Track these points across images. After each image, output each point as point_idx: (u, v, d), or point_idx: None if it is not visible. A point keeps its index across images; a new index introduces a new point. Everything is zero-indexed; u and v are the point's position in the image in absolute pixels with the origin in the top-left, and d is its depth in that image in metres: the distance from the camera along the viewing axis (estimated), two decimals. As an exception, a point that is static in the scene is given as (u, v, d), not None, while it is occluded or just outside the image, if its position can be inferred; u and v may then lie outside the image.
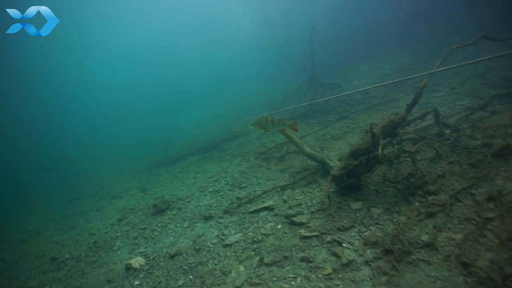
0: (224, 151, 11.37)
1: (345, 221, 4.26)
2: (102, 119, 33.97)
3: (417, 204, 4.07)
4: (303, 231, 4.33)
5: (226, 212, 5.65)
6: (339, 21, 21.93)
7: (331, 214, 4.53)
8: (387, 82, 4.14)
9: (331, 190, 4.97)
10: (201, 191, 7.35)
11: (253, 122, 4.67)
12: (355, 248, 3.65)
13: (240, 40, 33.54)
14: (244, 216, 5.33)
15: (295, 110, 12.16)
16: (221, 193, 6.74)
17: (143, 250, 5.28)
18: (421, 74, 3.76)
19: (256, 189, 6.34)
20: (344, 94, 5.47)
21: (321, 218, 4.52)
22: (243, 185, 6.82)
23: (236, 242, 4.60)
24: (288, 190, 5.73)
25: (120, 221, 7.32)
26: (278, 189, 5.89)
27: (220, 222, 5.39)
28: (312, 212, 4.73)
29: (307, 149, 6.25)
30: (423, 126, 6.29)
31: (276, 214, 5.03)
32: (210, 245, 4.74)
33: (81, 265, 5.52)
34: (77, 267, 5.51)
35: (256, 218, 5.15)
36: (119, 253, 5.47)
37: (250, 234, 4.70)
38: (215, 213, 5.81)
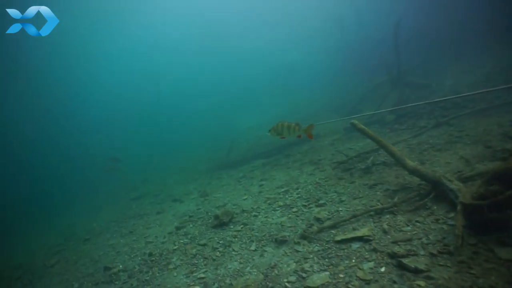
0: (291, 156, 10.23)
1: (492, 278, 2.83)
2: (163, 121, 35.02)
3: None
4: (423, 284, 2.99)
5: (303, 237, 4.48)
6: (425, 16, 19.43)
7: (464, 261, 3.10)
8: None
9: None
10: (269, 204, 6.28)
11: (270, 128, 4.41)
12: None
13: (306, 40, 32.10)
14: (329, 246, 4.12)
15: (374, 113, 10.55)
16: (294, 209, 5.59)
17: (202, 275, 4.35)
18: None
19: (340, 208, 5.06)
20: (457, 96, 3.97)
21: (448, 267, 3.12)
22: (321, 201, 5.59)
23: (322, 285, 3.41)
24: (387, 216, 4.37)
25: (178, 229, 6.58)
26: (372, 212, 4.55)
27: (297, 251, 4.24)
28: (433, 255, 3.34)
29: (410, 163, 4.81)
30: None
31: (375, 250, 3.72)
32: (288, 284, 3.61)
33: (132, 283, 4.79)
34: (129, 284, 4.80)
35: (346, 251, 3.90)
36: (175, 274, 4.63)
37: (341, 275, 3.48)
38: (289, 236, 4.67)
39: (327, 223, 4.63)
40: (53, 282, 6.18)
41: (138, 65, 42.93)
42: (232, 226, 5.77)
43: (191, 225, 6.57)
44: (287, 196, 6.40)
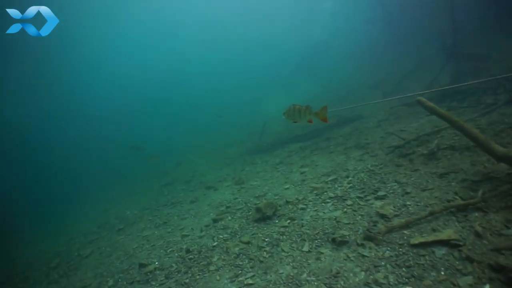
0: (332, 139, 9.39)
1: None
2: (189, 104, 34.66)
3: None
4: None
5: (368, 238, 3.75)
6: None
7: None
8: None
9: None
10: (317, 195, 5.57)
11: (284, 111, 4.02)
12: None
13: (336, 14, 30.16)
14: (403, 251, 3.37)
15: (426, 89, 9.40)
16: (349, 202, 4.85)
17: (250, 281, 3.77)
18: None
19: (407, 202, 4.26)
20: None
21: None
22: (380, 192, 4.81)
23: (409, 307, 2.70)
24: (475, 214, 3.54)
25: (216, 222, 6.05)
26: (453, 209, 3.73)
27: (363, 255, 3.53)
28: (559, 271, 2.52)
29: (500, 148, 3.89)
30: None
31: (469, 259, 2.95)
32: (361, 303, 2.94)
33: (171, 285, 4.30)
34: (166, 286, 4.32)
35: (428, 259, 3.14)
36: (218, 278, 4.07)
37: (430, 293, 2.75)
38: (349, 236, 3.97)
39: (396, 221, 3.87)
40: (87, 276, 5.89)
41: (164, 46, 42.68)
42: (277, 221, 5.13)
43: (229, 218, 6.01)
44: (336, 186, 5.66)
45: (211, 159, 13.91)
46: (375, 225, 4.00)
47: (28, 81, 25.67)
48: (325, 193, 5.53)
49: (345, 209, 4.68)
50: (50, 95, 29.78)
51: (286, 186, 6.61)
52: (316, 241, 4.14)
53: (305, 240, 4.23)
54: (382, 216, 4.15)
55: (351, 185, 5.48)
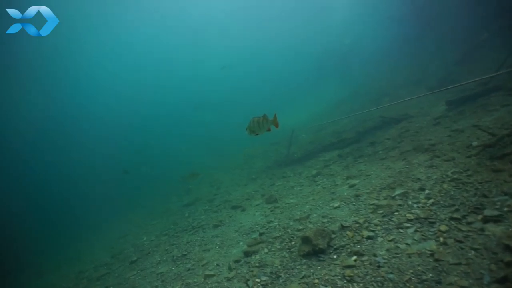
0: (377, 144, 7.86)
1: None
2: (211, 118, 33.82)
3: None
4: None
5: (511, 293, 2.24)
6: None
7: None
8: None
9: None
10: (385, 216, 4.07)
11: (246, 126, 3.80)
12: None
13: (361, 15, 28.71)
14: None
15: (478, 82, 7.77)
16: (442, 227, 3.33)
17: None
18: None
19: (549, 227, 2.72)
20: None
21: None
22: (487, 210, 3.27)
23: None
24: None
25: (248, 256, 4.65)
26: None
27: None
28: None
29: None
30: None
31: None
32: None
33: None
34: None
35: None
36: None
37: None
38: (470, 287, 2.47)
39: (554, 262, 2.34)
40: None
41: (185, 58, 42.72)
42: (335, 256, 3.67)
43: (266, 250, 4.59)
44: (410, 202, 4.14)
45: (235, 174, 12.60)
46: (508, 267, 2.48)
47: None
48: (396, 213, 4.03)
49: (440, 238, 3.17)
50: (65, 111, 29.76)
51: (335, 204, 5.14)
52: (412, 294, 2.65)
53: (391, 293, 2.75)
54: (516, 251, 2.62)
55: (432, 200, 3.95)
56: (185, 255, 5.81)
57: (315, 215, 5.11)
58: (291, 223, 5.17)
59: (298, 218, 5.24)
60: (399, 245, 3.36)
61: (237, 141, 18.44)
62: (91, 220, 15.18)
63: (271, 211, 6.36)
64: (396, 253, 3.24)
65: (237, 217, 6.99)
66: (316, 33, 32.55)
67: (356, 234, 3.93)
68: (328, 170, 7.64)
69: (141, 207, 14.53)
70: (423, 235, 3.34)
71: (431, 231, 3.35)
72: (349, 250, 3.65)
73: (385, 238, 3.59)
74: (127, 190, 18.51)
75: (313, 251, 3.84)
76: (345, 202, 5.07)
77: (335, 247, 3.83)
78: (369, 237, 3.73)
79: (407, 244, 3.32)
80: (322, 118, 16.68)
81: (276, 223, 5.51)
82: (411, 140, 6.91)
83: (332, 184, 6.44)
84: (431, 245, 3.11)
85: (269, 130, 3.76)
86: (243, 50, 43.17)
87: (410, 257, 3.09)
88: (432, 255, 2.97)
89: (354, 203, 4.90)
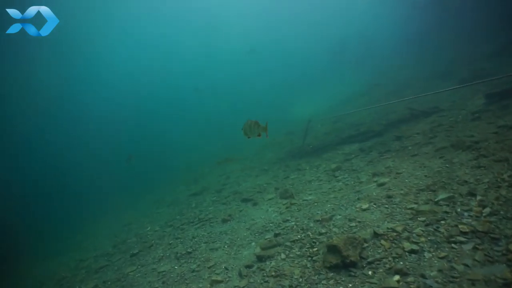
0: (405, 138, 7.12)
1: None
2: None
3: None
4: None
5: None
6: None
7: None
8: None
9: None
10: (428, 224, 3.40)
11: (242, 127, 3.92)
12: None
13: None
14: None
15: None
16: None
17: None
18: None
19: None
20: None
21: None
22: None
23: None
24: None
25: (262, 261, 4.05)
26: None
27: None
28: None
29: None
30: None
31: None
32: None
33: None
34: None
35: None
36: None
37: None
38: None
39: None
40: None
41: (197, 50, 41.97)
42: (370, 272, 3.03)
43: (282, 256, 3.97)
44: (460, 210, 3.46)
45: (245, 164, 11.99)
46: None
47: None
48: (443, 222, 3.35)
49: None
50: (72, 105, 29.54)
51: (363, 206, 4.48)
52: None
53: (456, 333, 2.11)
54: None
55: (489, 209, 3.26)
56: (190, 252, 5.25)
57: (339, 216, 4.47)
58: (311, 225, 4.54)
59: (319, 219, 4.60)
60: (454, 265, 2.69)
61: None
62: (97, 207, 14.89)
63: (287, 208, 5.74)
64: (453, 277, 2.58)
65: (248, 212, 6.40)
66: (336, 20, 31.43)
67: (394, 245, 3.28)
68: (350, 165, 6.95)
69: (148, 194, 14.15)
70: (487, 256, 2.66)
71: (497, 251, 2.68)
72: (387, 265, 3.01)
73: (434, 254, 2.93)
74: (135, 177, 18.18)
75: (343, 263, 3.21)
76: (375, 204, 4.40)
77: (369, 260, 3.19)
78: (412, 251, 3.07)
79: (465, 265, 2.65)
80: (339, 109, 15.90)
81: (293, 223, 4.89)
82: (446, 135, 6.16)
83: (356, 181, 5.76)
84: (503, 271, 2.44)
85: (259, 136, 3.80)
86: (263, 36, 42.02)
87: (474, 285, 2.43)
88: (507, 285, 2.31)
89: (386, 206, 4.23)
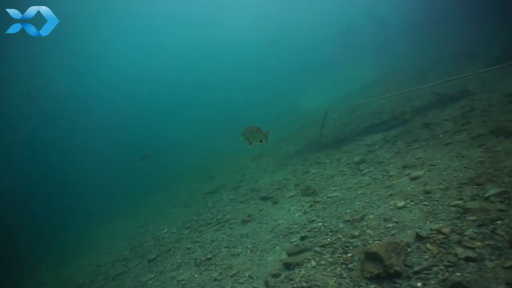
0: (434, 126, 6.59)
1: None
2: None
3: None
4: None
5: None
6: None
7: None
8: None
9: None
10: (481, 225, 2.97)
11: (242, 131, 3.88)
12: None
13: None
14: None
15: None
16: None
17: None
18: None
19: None
20: None
21: None
22: None
23: None
24: None
25: (290, 269, 3.70)
26: None
27: None
28: None
29: None
30: None
31: None
32: None
33: None
34: None
35: None
36: None
37: None
38: None
39: None
40: None
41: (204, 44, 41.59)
42: (419, 284, 2.63)
43: (313, 263, 3.60)
44: (518, 208, 3.01)
45: (261, 159, 11.62)
46: None
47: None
48: (499, 222, 2.91)
49: None
50: (80, 96, 29.62)
51: (398, 203, 4.05)
52: None
53: None
54: None
55: (557, 206, 2.81)
56: (210, 259, 4.93)
57: (372, 216, 4.06)
58: (341, 226, 4.16)
59: (350, 219, 4.21)
60: (526, 277, 2.27)
61: (267, 123, 17.46)
62: (112, 207, 14.85)
63: (311, 206, 5.36)
64: (527, 292, 2.16)
65: (269, 212, 6.04)
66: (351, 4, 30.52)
67: (444, 250, 2.86)
68: (374, 157, 6.49)
69: (162, 192, 14.00)
70: None
71: None
72: (440, 277, 2.59)
73: (497, 263, 2.50)
74: (150, 176, 18.10)
75: (386, 274, 2.82)
76: (412, 201, 3.97)
77: (415, 269, 2.79)
78: (468, 259, 2.65)
79: (539, 276, 2.23)
80: (356, 98, 15.30)
81: (320, 223, 4.51)
82: (482, 121, 5.64)
83: (385, 174, 5.32)
84: None
85: (261, 141, 3.80)
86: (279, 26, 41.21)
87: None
88: None
89: (425, 203, 3.80)
